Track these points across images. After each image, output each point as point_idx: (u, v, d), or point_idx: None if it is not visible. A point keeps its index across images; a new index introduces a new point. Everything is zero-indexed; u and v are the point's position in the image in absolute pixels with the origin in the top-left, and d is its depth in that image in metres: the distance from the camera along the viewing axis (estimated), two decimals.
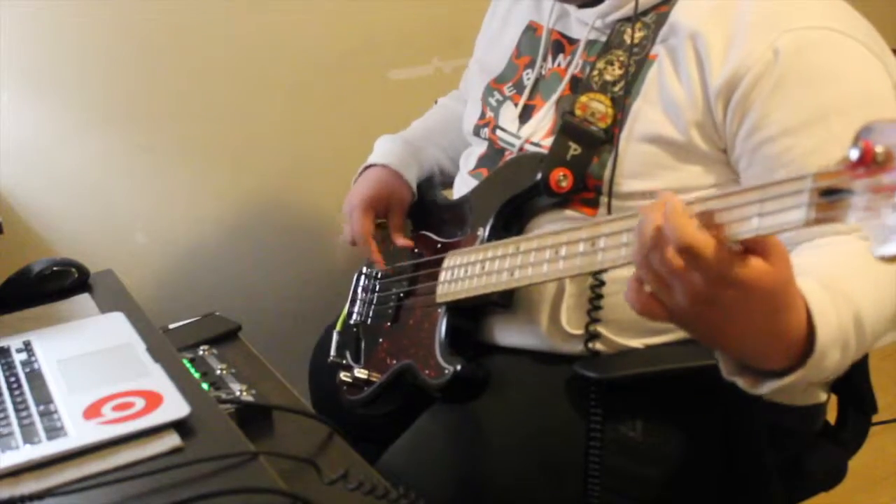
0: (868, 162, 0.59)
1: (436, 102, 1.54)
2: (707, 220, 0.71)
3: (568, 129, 1.09)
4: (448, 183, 1.42)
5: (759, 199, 0.68)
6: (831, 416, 1.22)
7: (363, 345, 1.33)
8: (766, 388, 0.82)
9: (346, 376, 1.27)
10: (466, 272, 1.11)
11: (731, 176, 1.04)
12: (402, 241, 1.32)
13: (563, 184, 1.08)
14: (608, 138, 1.07)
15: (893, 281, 0.90)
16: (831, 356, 0.81)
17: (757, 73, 0.97)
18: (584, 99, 1.09)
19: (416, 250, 1.31)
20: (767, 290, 0.73)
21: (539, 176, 1.09)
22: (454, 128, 1.43)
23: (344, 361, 1.34)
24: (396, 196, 1.34)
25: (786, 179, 0.66)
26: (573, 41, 1.17)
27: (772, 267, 0.72)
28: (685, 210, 0.71)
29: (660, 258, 0.73)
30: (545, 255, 0.94)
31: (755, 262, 0.72)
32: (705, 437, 1.10)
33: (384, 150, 1.39)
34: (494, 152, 1.23)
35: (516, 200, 1.13)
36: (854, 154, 0.59)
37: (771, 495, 1.14)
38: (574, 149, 1.08)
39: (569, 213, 1.10)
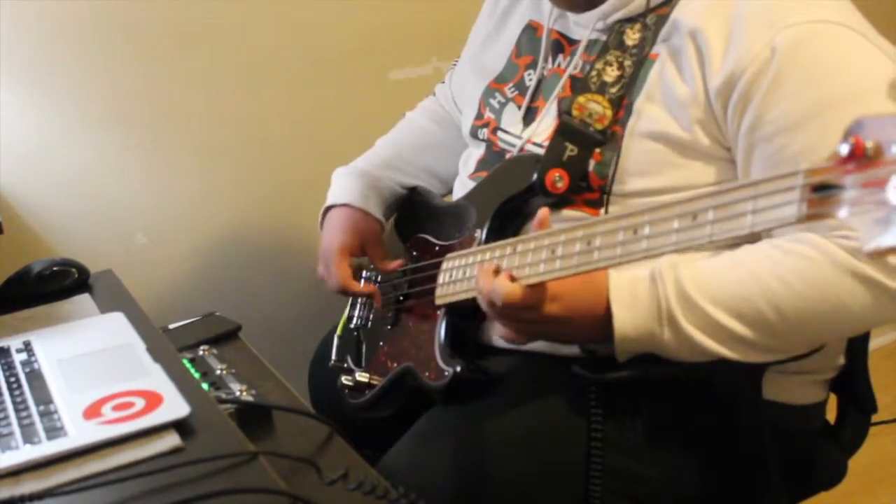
0: (858, 157, 0.59)
1: (403, 116, 1.53)
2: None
3: (565, 129, 1.09)
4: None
5: (753, 195, 0.69)
6: (831, 415, 1.22)
7: (364, 348, 1.34)
8: (619, 353, 1.00)
9: (347, 380, 1.27)
10: (464, 274, 1.11)
11: (735, 174, 1.04)
12: (390, 265, 1.32)
13: (559, 185, 1.08)
14: (606, 139, 1.07)
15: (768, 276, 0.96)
16: (658, 333, 0.97)
17: (755, 71, 0.97)
18: (581, 100, 1.09)
19: (414, 253, 1.30)
20: (566, 315, 0.97)
21: (535, 177, 1.09)
22: (420, 150, 1.43)
23: (345, 365, 1.34)
24: (367, 233, 1.35)
25: (778, 176, 0.67)
26: (572, 41, 1.17)
27: (554, 303, 0.95)
28: (489, 270, 0.97)
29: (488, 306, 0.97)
30: (542, 255, 0.94)
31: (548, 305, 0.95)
32: (705, 437, 1.10)
33: (342, 186, 1.39)
34: (493, 154, 1.23)
35: (513, 201, 1.13)
36: (844, 149, 0.60)
37: (771, 495, 1.14)
38: (570, 150, 1.08)
39: (568, 213, 1.10)
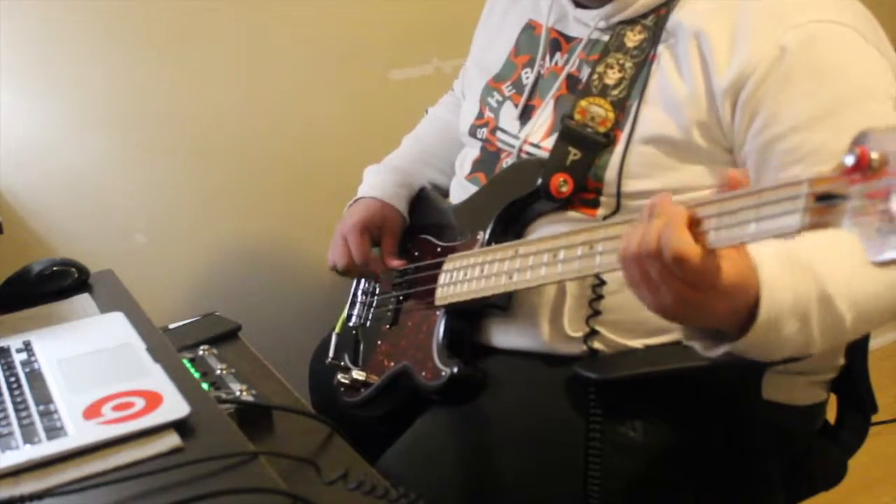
0: (863, 168, 0.59)
1: (426, 112, 1.53)
2: (696, 226, 0.75)
3: (568, 134, 1.09)
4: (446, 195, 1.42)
5: (756, 203, 0.69)
6: (831, 416, 1.23)
7: (362, 347, 1.33)
8: (720, 351, 0.84)
9: (343, 378, 1.27)
10: (466, 275, 1.11)
11: None
12: (395, 263, 1.32)
13: (564, 189, 1.08)
14: (608, 142, 1.07)
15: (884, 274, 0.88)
16: (787, 325, 0.84)
17: (764, 70, 0.97)
18: (583, 103, 1.09)
19: (416, 254, 1.31)
20: (731, 286, 0.78)
21: (539, 182, 1.09)
22: (448, 144, 1.43)
23: (342, 363, 1.34)
24: (389, 222, 1.34)
25: (781, 184, 0.67)
26: (570, 39, 1.17)
27: (735, 266, 0.78)
28: (684, 220, 0.75)
29: (651, 262, 0.77)
30: (543, 258, 0.94)
31: (727, 268, 0.77)
32: (706, 437, 1.10)
33: (372, 182, 1.38)
34: (489, 155, 1.23)
35: (516, 205, 1.13)
36: (849, 160, 0.60)
37: (772, 495, 1.14)
38: (574, 154, 1.08)
39: (570, 214, 1.10)
